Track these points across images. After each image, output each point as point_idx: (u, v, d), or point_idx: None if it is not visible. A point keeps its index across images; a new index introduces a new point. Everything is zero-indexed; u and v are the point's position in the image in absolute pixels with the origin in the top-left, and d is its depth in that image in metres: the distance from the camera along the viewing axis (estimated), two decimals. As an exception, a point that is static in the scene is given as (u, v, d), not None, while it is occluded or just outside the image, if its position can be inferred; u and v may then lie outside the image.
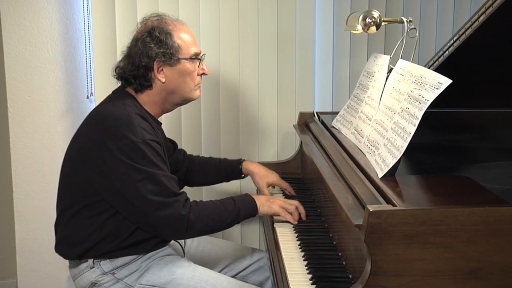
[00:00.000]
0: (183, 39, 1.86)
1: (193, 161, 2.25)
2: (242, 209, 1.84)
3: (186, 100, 1.93)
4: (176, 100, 1.90)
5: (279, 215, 1.91)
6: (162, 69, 1.84)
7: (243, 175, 2.25)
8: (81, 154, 1.78)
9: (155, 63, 1.82)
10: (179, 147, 2.25)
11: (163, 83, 1.84)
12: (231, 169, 2.23)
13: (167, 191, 1.72)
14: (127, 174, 1.69)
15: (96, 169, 1.73)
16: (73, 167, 1.81)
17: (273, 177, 2.20)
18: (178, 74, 1.85)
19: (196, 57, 1.88)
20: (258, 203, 1.87)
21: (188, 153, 2.27)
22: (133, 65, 1.83)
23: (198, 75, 1.90)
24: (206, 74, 1.94)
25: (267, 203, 1.89)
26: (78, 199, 1.79)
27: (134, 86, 1.85)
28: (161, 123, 1.97)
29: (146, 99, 1.86)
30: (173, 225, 1.73)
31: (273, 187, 2.26)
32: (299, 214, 1.92)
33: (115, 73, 1.90)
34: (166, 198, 1.72)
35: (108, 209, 1.77)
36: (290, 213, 1.91)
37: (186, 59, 1.85)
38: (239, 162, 2.24)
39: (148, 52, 1.81)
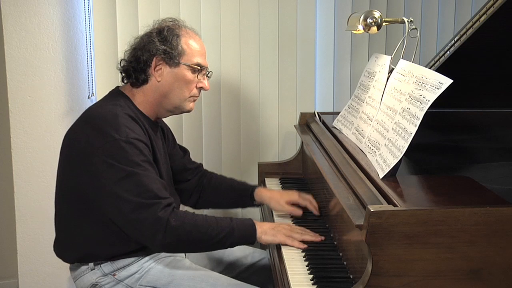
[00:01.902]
0: (190, 45, 1.85)
1: (211, 179, 2.16)
2: (237, 230, 1.73)
3: (177, 109, 1.88)
4: (168, 106, 1.87)
5: (285, 245, 1.77)
6: (161, 68, 1.83)
7: (255, 202, 2.11)
8: (71, 155, 1.76)
9: (154, 59, 1.82)
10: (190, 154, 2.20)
11: (158, 81, 1.83)
12: (243, 193, 2.12)
13: (147, 192, 1.65)
14: (107, 173, 1.66)
15: (84, 169, 1.70)
16: (65, 169, 1.80)
17: (292, 194, 2.06)
18: (174, 77, 1.83)
19: (198, 67, 1.85)
20: (259, 230, 1.76)
21: (189, 152, 2.25)
22: (134, 57, 1.84)
23: (196, 87, 1.87)
24: (205, 89, 1.90)
25: (271, 232, 1.77)
26: (72, 203, 1.78)
27: (131, 80, 1.85)
28: (158, 125, 1.95)
29: (142, 98, 1.85)
30: (149, 228, 1.63)
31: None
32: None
33: (119, 66, 1.90)
34: (145, 199, 1.64)
35: (103, 214, 1.73)
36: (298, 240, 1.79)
37: (186, 65, 1.83)
38: (252, 187, 2.11)
39: (150, 47, 1.82)
